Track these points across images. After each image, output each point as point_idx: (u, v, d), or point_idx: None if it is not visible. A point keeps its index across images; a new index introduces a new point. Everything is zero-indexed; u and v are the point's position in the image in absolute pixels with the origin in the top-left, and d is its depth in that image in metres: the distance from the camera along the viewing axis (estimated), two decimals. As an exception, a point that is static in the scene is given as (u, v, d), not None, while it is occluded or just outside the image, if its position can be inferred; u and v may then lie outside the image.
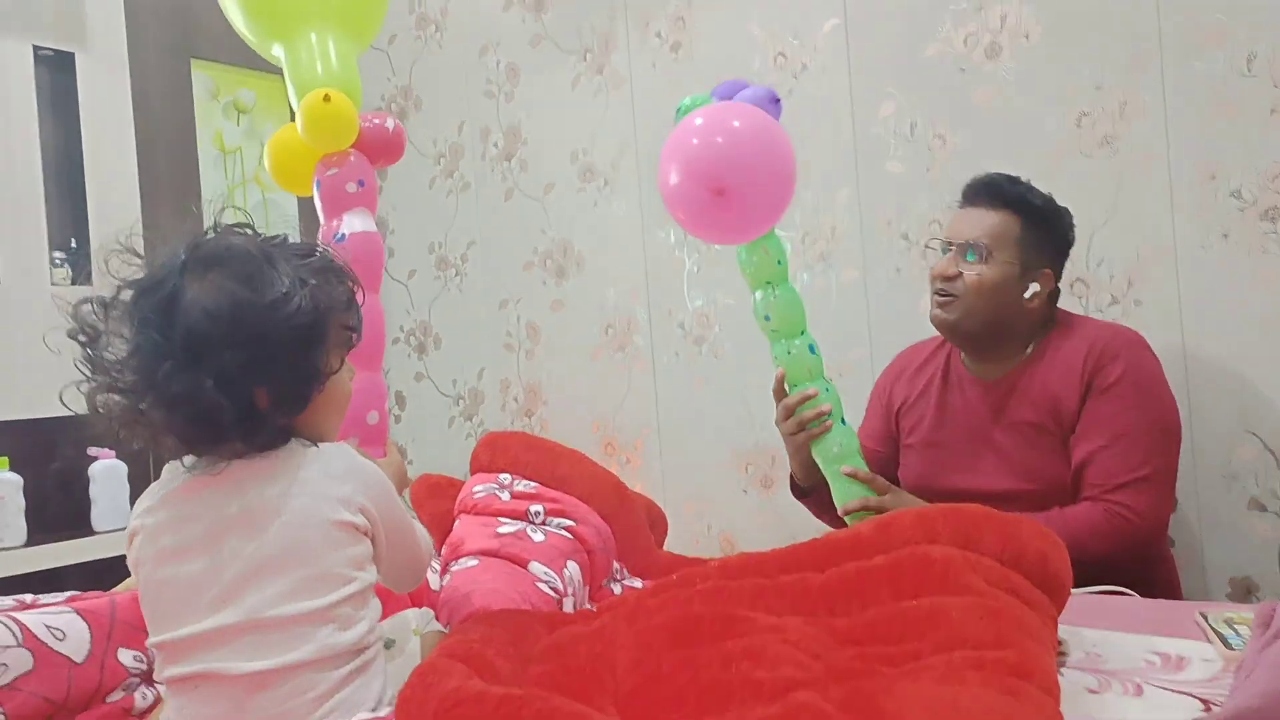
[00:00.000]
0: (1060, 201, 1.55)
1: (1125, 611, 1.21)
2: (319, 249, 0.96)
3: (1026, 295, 1.50)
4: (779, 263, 1.49)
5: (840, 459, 1.48)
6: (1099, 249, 1.74)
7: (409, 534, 1.01)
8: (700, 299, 2.31)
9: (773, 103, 1.47)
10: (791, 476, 1.67)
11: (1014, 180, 1.53)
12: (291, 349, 0.88)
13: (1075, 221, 1.55)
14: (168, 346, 0.84)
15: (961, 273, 1.51)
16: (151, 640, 0.91)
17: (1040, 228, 1.51)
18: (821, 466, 1.51)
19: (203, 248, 0.89)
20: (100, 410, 0.87)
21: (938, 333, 1.62)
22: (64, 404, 0.89)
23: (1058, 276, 1.55)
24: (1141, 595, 1.29)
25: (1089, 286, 1.77)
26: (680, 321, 2.35)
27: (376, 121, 1.28)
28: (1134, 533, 1.38)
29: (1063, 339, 1.52)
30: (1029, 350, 1.54)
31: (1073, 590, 1.02)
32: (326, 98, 1.18)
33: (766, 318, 1.49)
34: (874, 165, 2.02)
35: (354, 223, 1.21)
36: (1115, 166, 1.74)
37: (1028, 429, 1.50)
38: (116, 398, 0.87)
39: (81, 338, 0.87)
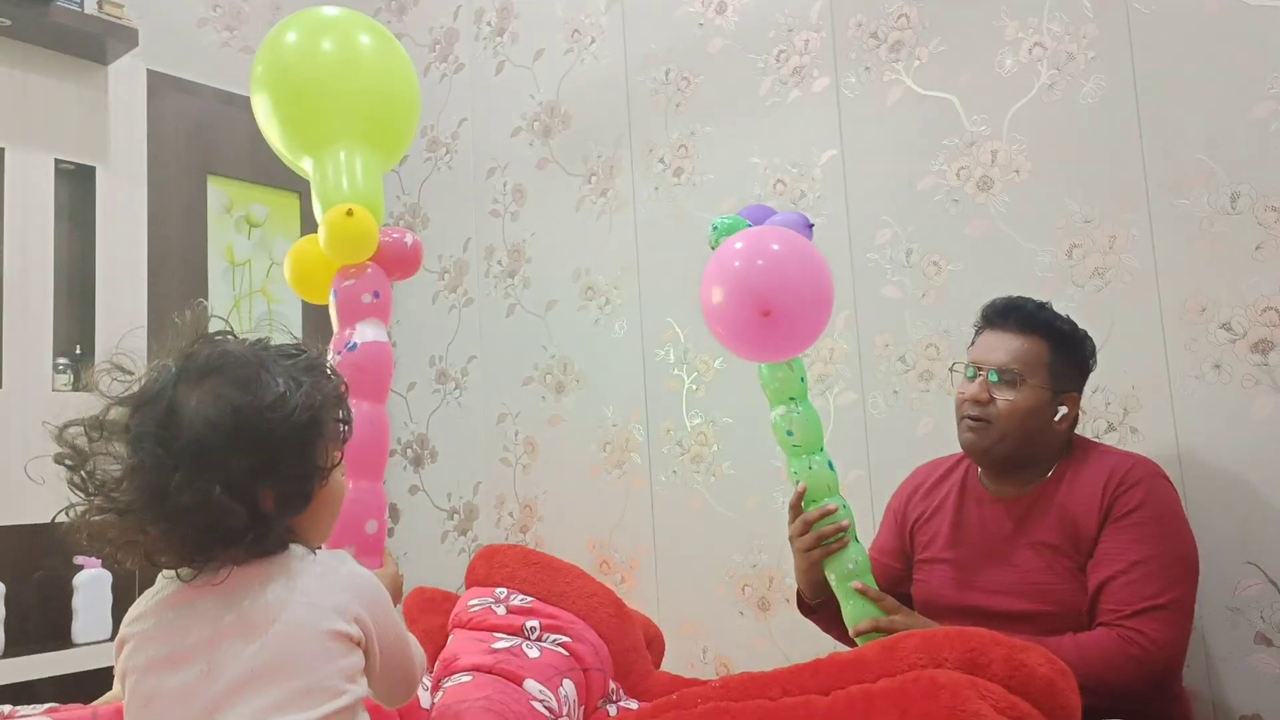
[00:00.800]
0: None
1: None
2: (304, 349, 0.97)
3: (1055, 419, 1.52)
4: (801, 379, 1.54)
5: (853, 576, 1.48)
6: (1094, 377, 1.76)
7: (403, 647, 0.99)
8: (699, 417, 2.33)
9: (807, 227, 1.54)
10: (799, 593, 1.65)
11: (1040, 305, 1.56)
12: (293, 448, 0.89)
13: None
14: (172, 460, 0.84)
15: (993, 398, 1.52)
16: (134, 754, 0.88)
17: (1067, 352, 1.54)
18: (833, 583, 1.50)
19: (195, 357, 0.90)
20: (93, 534, 0.86)
21: (945, 453, 1.62)
22: (53, 522, 0.87)
23: (1080, 399, 1.57)
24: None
25: (1085, 413, 1.78)
26: (678, 440, 2.36)
27: (396, 236, 1.31)
28: (1149, 661, 1.34)
29: (1082, 463, 1.53)
30: (1049, 473, 1.55)
31: (1082, 722, 1.00)
32: (349, 212, 1.22)
33: (789, 433, 1.51)
34: (871, 290, 2.07)
35: (366, 332, 1.23)
36: (1107, 297, 1.78)
37: (1045, 550, 1.49)
38: (112, 518, 0.86)
39: (68, 461, 0.87)
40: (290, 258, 1.32)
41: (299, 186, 2.87)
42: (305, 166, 1.33)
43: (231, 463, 0.84)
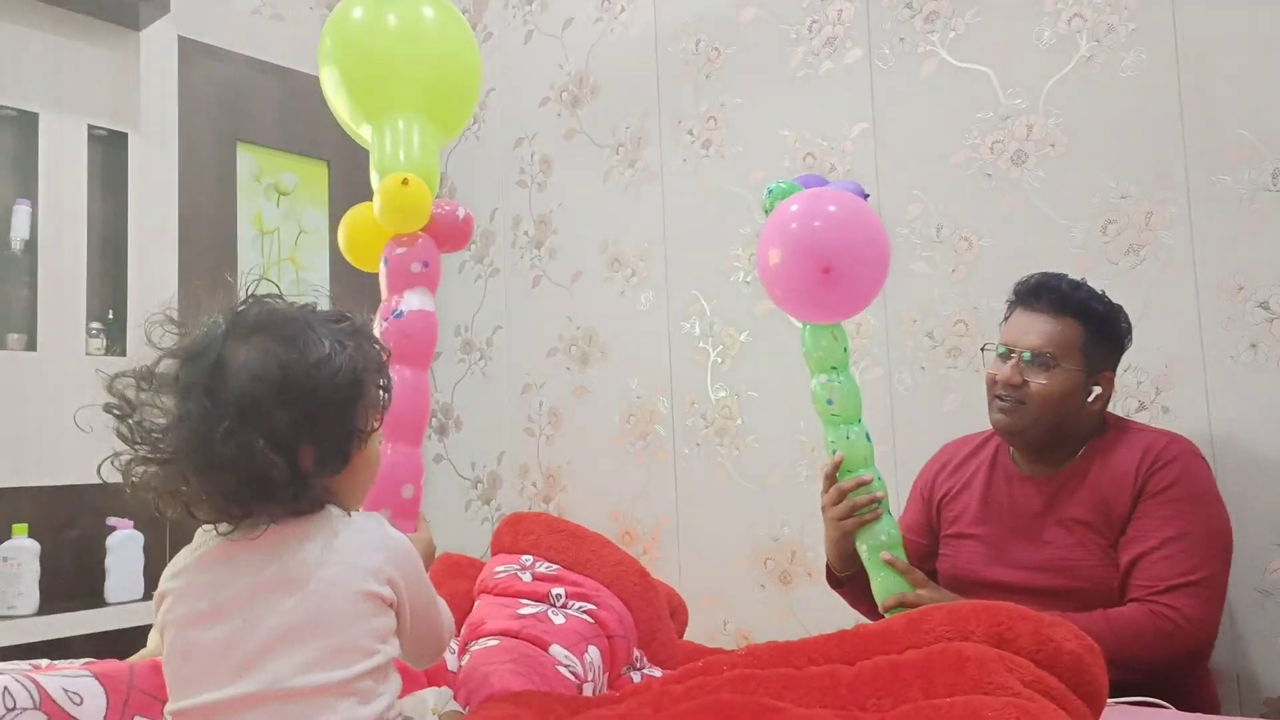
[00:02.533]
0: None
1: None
2: (348, 315, 0.98)
3: (1089, 400, 1.51)
4: (845, 349, 1.53)
5: (884, 548, 1.49)
6: (1127, 355, 1.74)
7: (433, 610, 1.01)
8: (724, 390, 2.32)
9: (862, 196, 1.54)
10: (828, 565, 1.65)
11: (1076, 285, 1.54)
12: (335, 408, 0.90)
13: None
14: (218, 410, 0.85)
15: (1026, 380, 1.50)
16: (170, 707, 0.89)
17: (1102, 333, 1.52)
18: (864, 555, 1.51)
19: (245, 315, 0.91)
20: (136, 482, 0.88)
21: (971, 429, 1.61)
22: (101, 477, 0.89)
23: (1114, 378, 1.55)
24: (1178, 709, 1.25)
25: (1116, 391, 1.77)
26: (702, 412, 2.36)
27: (449, 208, 1.32)
28: (1181, 638, 1.34)
29: (1116, 441, 1.52)
30: (1081, 450, 1.54)
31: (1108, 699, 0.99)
32: (405, 182, 1.23)
33: (829, 401, 1.52)
34: (900, 265, 2.05)
35: (413, 300, 1.25)
36: (1142, 275, 1.76)
37: (1076, 527, 1.48)
38: (155, 468, 0.88)
39: (117, 411, 0.89)
40: (345, 224, 1.34)
41: (326, 155, 2.87)
42: (364, 134, 1.35)
43: (275, 416, 0.86)
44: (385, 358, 0.99)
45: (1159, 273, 1.74)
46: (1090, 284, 1.55)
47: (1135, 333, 1.59)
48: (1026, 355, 1.50)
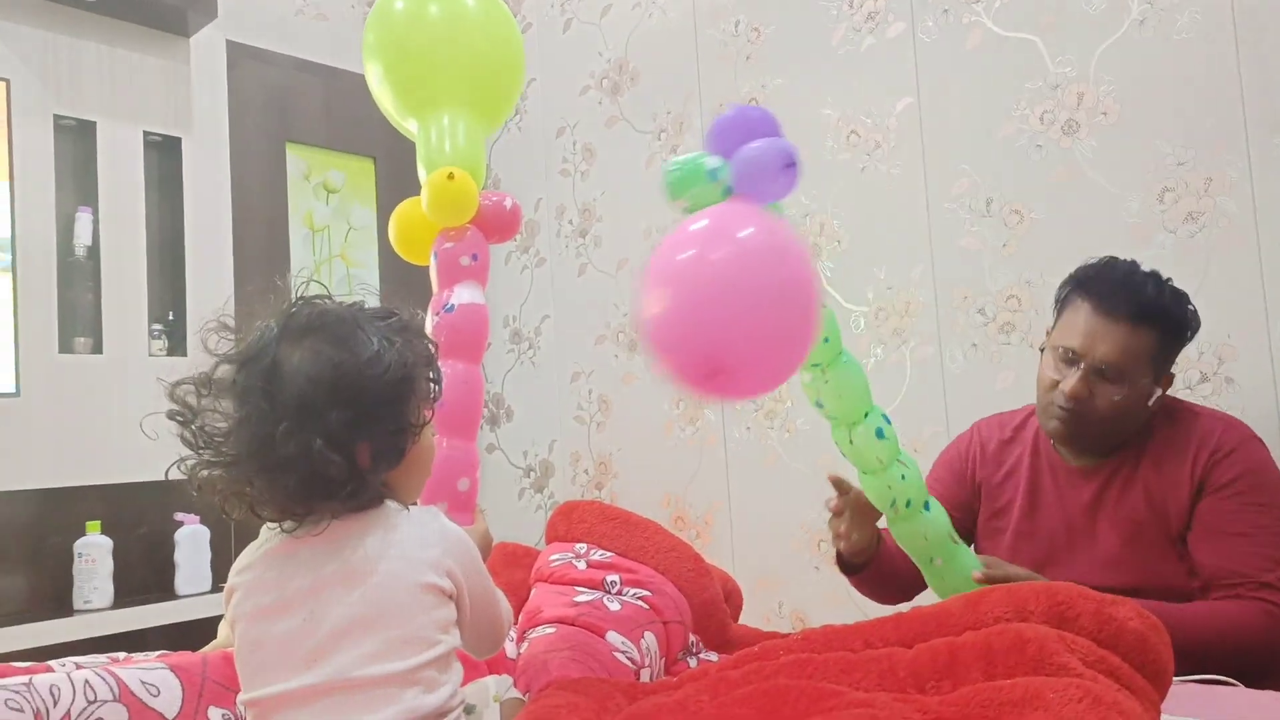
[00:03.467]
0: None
1: (1230, 701, 1.15)
2: (395, 311, 1.00)
3: (1150, 402, 1.43)
4: (826, 340, 1.28)
5: (932, 550, 1.39)
6: (1186, 325, 1.71)
7: (492, 600, 1.02)
8: (773, 373, 2.31)
9: (786, 169, 1.16)
10: (838, 552, 1.57)
11: (1159, 287, 1.41)
12: (387, 404, 0.92)
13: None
14: (275, 413, 0.87)
15: (1093, 392, 1.40)
16: (243, 697, 0.92)
17: (1177, 339, 1.43)
18: (914, 554, 1.42)
19: (296, 318, 0.93)
20: (202, 487, 0.91)
21: (1018, 407, 1.58)
22: (166, 476, 0.92)
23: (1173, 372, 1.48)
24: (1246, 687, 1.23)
25: (1178, 364, 1.72)
26: (752, 396, 2.35)
27: (496, 199, 1.33)
28: None
29: (1168, 430, 1.44)
30: (1130, 441, 1.46)
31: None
32: (451, 175, 1.25)
33: (819, 404, 1.36)
34: (948, 241, 2.02)
35: (463, 294, 1.26)
36: (1201, 243, 1.71)
37: (1130, 524, 1.42)
38: (219, 471, 0.90)
39: (179, 417, 0.91)
40: (394, 219, 1.36)
41: (373, 152, 2.91)
42: (411, 128, 1.36)
43: (331, 416, 0.87)
44: (434, 350, 1.01)
45: (1219, 240, 1.69)
46: (1146, 254, 1.50)
47: (1196, 303, 1.55)
48: (1104, 376, 1.39)
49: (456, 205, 1.27)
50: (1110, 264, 1.46)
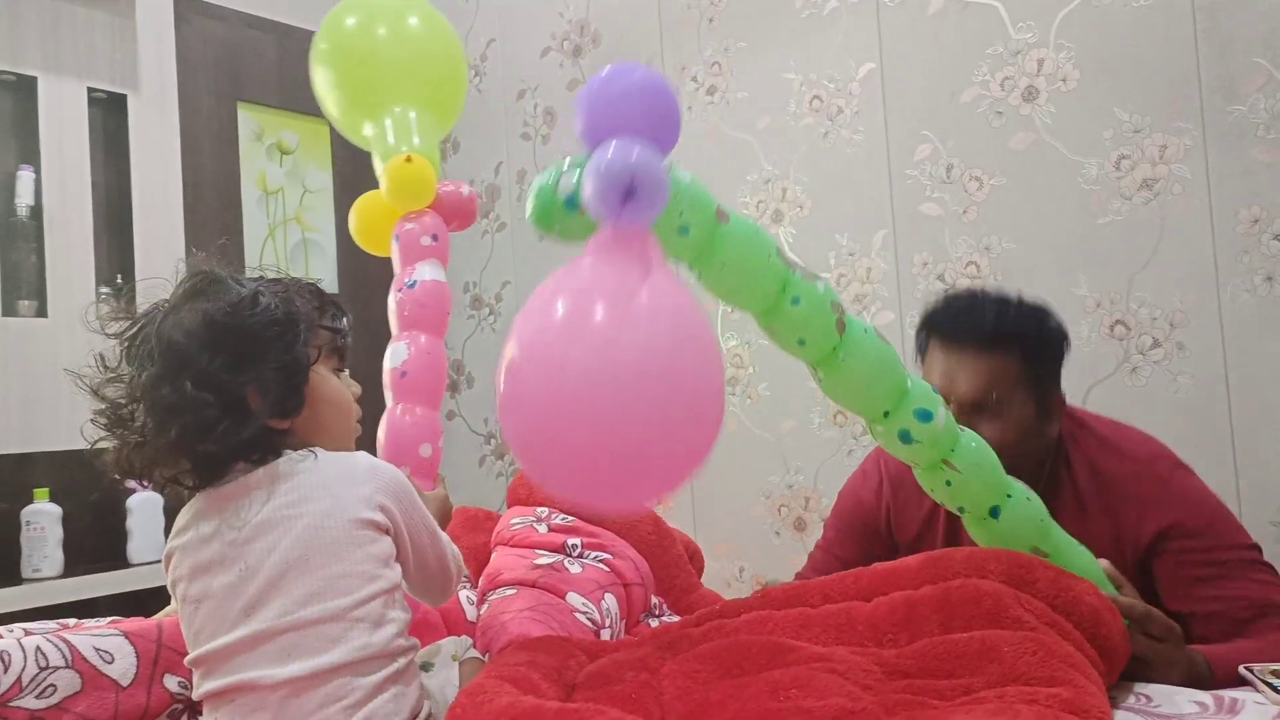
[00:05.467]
0: (1101, 244, 1.48)
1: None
2: (286, 277, 1.03)
3: (1044, 428, 1.31)
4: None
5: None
6: (1140, 291, 1.73)
7: (434, 539, 1.02)
8: (734, 339, 2.32)
9: (625, 201, 0.86)
10: None
11: (1000, 309, 1.31)
12: (267, 343, 0.93)
13: (1088, 290, 1.39)
14: (156, 370, 0.90)
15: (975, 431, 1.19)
16: (190, 657, 0.92)
17: (1041, 355, 1.31)
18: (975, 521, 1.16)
19: (179, 290, 0.96)
20: (124, 465, 0.94)
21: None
22: (84, 438, 0.96)
23: (1062, 390, 1.35)
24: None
25: (1130, 329, 1.75)
26: (714, 362, 2.35)
27: (451, 188, 1.39)
28: None
29: (1076, 470, 1.31)
30: (1040, 478, 1.32)
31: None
32: (408, 159, 1.30)
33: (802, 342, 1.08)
34: (909, 207, 2.03)
35: (425, 271, 1.31)
36: (1156, 209, 1.73)
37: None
38: (132, 444, 0.92)
39: (104, 418, 0.95)
40: (355, 210, 1.41)
41: (329, 113, 2.85)
42: (366, 134, 1.42)
43: (203, 359, 0.90)
44: (328, 305, 1.03)
45: (1173, 206, 1.72)
46: (1103, 220, 1.51)
47: (1149, 269, 1.57)
48: (968, 404, 1.26)
49: (415, 186, 1.32)
50: (951, 298, 1.38)
